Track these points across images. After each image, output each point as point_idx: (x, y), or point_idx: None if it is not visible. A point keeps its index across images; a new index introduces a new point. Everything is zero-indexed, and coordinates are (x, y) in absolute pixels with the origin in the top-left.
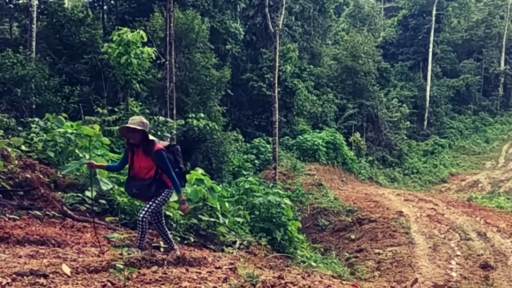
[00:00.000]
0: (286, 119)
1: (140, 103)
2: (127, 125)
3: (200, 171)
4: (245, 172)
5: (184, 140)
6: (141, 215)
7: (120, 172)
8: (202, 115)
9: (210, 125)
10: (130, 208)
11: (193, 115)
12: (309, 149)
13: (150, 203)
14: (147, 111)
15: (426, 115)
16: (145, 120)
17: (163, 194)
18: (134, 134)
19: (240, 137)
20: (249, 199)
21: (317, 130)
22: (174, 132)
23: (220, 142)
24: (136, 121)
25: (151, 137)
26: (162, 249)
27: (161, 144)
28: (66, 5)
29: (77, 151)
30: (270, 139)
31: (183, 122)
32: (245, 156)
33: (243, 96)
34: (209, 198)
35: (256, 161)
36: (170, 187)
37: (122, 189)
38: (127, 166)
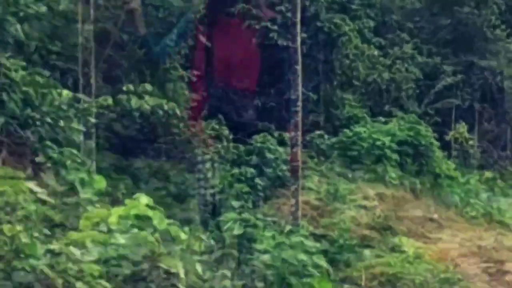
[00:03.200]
0: (318, 95)
1: (25, 62)
2: None
3: (144, 199)
4: (234, 203)
5: (115, 137)
6: None
7: None
8: (148, 87)
9: (166, 107)
10: None
11: (131, 87)
12: (365, 156)
13: None
14: (39, 78)
15: None
16: None
17: None
18: None
19: (226, 131)
20: (244, 256)
21: (381, 118)
22: (93, 120)
23: (186, 141)
24: None
25: None
26: None
27: None
28: None
29: None
30: (286, 135)
31: (110, 101)
32: (235, 171)
33: (232, 50)
34: (163, 255)
35: (257, 180)
36: None
37: None
38: None
